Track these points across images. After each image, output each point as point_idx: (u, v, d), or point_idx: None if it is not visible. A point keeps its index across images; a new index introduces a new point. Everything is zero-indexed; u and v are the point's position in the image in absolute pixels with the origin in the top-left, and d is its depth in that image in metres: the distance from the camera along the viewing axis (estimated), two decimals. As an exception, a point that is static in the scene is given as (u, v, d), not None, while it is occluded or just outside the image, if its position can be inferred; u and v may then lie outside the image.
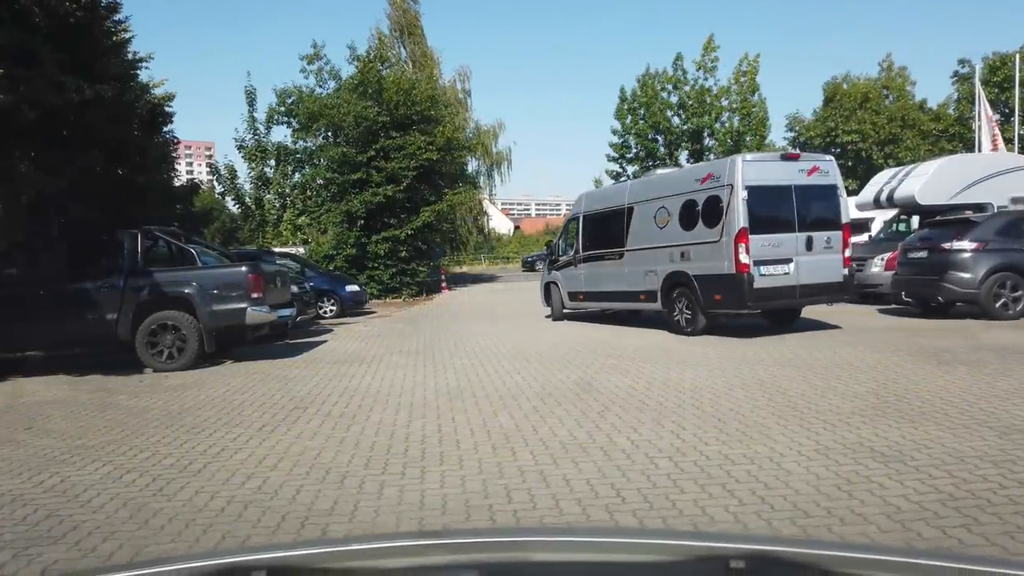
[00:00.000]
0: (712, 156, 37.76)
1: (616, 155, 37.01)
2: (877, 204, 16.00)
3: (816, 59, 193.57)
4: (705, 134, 36.97)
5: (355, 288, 18.14)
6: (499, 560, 1.23)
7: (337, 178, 23.99)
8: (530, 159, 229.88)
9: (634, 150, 37.56)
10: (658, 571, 1.18)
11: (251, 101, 25.11)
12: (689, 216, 10.85)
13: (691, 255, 10.87)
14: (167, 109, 22.27)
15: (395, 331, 13.83)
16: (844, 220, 10.66)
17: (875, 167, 31.16)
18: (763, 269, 10.02)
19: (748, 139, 35.54)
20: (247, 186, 25.53)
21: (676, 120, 36.72)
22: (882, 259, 14.77)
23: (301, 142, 25.69)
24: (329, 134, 25.01)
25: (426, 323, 15.35)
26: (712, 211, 10.35)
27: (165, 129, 22.52)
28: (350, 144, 24.17)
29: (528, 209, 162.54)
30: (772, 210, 10.19)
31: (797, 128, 35.11)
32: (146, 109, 20.93)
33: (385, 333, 13.52)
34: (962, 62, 33.22)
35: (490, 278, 32.89)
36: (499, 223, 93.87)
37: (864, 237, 23.04)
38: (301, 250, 25.44)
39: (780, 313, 11.27)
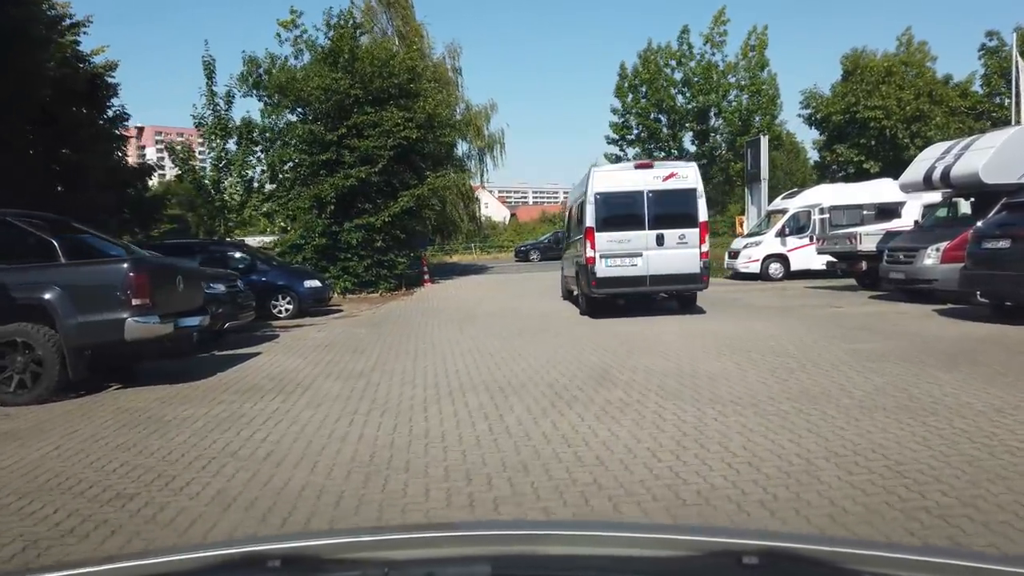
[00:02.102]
0: (719, 137, 35.26)
1: (616, 136, 34.45)
2: (928, 184, 13.52)
3: (830, 33, 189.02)
4: (712, 113, 34.39)
5: (315, 284, 15.66)
6: (512, 553, 1.24)
7: (305, 159, 21.43)
8: (528, 146, 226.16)
9: (635, 131, 34.99)
10: (670, 566, 1.19)
11: (209, 73, 22.47)
12: (579, 216, 12.97)
13: (575, 249, 13.18)
14: (109, 80, 19.77)
15: (350, 339, 11.36)
16: (701, 218, 11.89)
17: (900, 147, 28.61)
18: (608, 262, 11.79)
19: (757, 119, 32.99)
20: (207, 168, 22.93)
21: (680, 99, 34.13)
22: (937, 250, 12.31)
23: (271, 119, 23.07)
24: (298, 110, 22.43)
25: (392, 327, 12.87)
26: (582, 213, 12.42)
27: (116, 106, 20.05)
28: (319, 121, 21.59)
29: (526, 197, 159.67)
30: (622, 212, 11.87)
31: (814, 104, 32.33)
32: (83, 80, 18.46)
33: (336, 342, 11.05)
34: (990, 34, 30.62)
35: (480, 269, 30.38)
36: (495, 211, 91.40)
37: (896, 223, 20.68)
38: (267, 239, 23.02)
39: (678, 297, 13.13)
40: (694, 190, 11.85)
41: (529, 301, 16.87)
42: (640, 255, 11.78)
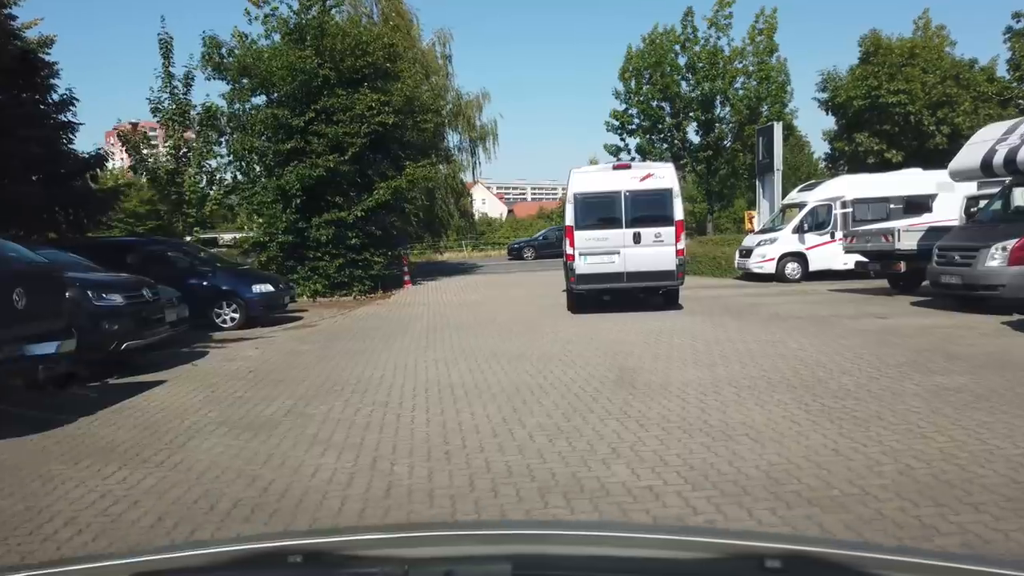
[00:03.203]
0: (726, 127, 33.06)
1: (616, 124, 32.18)
2: (988, 171, 11.37)
3: (842, 16, 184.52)
4: (717, 101, 32.14)
5: (265, 288, 13.46)
6: (532, 552, 1.23)
7: (269, 147, 19.24)
8: (527, 143, 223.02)
9: (636, 120, 32.74)
10: (692, 568, 1.17)
11: (166, 52, 20.22)
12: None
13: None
14: (45, 57, 17.59)
15: (285, 362, 9.18)
16: (677, 217, 12.09)
17: (924, 133, 26.34)
18: (588, 259, 12.13)
19: (765, 108, 30.75)
20: (163, 158, 20.69)
21: (684, 86, 31.89)
22: (1003, 249, 10.18)
23: (236, 105, 20.83)
24: (263, 95, 20.23)
25: (345, 344, 10.70)
26: (565, 213, 12.88)
27: (61, 89, 17.87)
28: (284, 105, 19.40)
29: (524, 194, 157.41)
30: (600, 212, 12.23)
31: (831, 88, 29.93)
32: (12, 56, 16.27)
33: (266, 366, 8.89)
34: (1017, 16, 28.34)
35: (469, 268, 28.20)
36: (492, 207, 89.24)
37: (926, 217, 18.52)
38: (226, 237, 20.86)
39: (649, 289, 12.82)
40: (670, 190, 12.13)
41: (514, 308, 14.74)
42: (618, 253, 12.11)
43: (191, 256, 13.96)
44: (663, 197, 12.08)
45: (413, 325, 12.73)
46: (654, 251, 12.01)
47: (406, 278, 21.35)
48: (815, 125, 67.07)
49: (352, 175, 19.33)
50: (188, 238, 20.76)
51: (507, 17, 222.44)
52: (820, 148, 39.75)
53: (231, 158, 21.33)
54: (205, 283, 13.07)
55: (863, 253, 14.98)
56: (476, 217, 66.07)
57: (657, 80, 30.68)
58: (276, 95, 19.55)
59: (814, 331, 9.62)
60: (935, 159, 24.87)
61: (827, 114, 31.10)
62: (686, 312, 12.53)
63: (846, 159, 31.49)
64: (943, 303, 11.73)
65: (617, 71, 32.85)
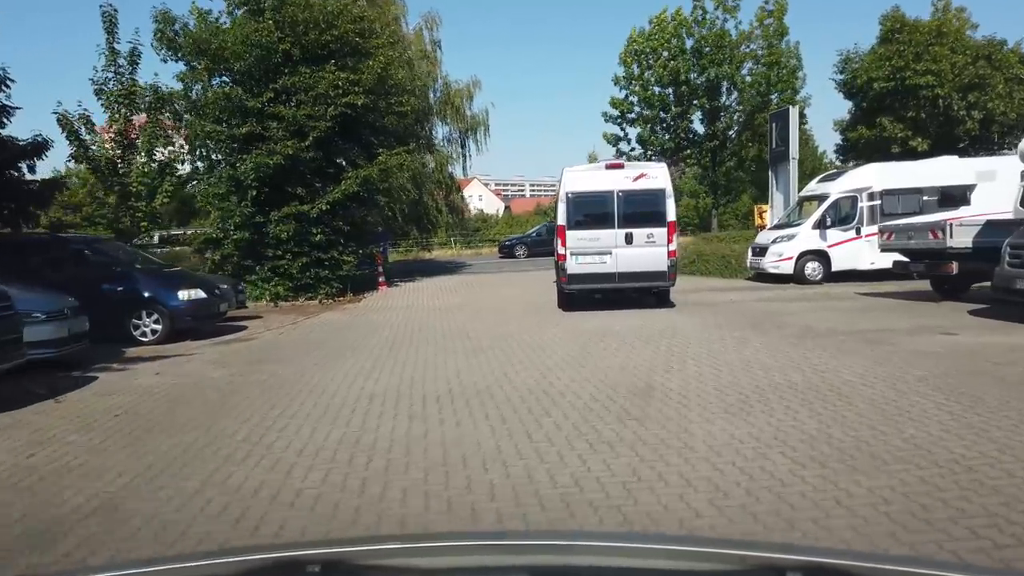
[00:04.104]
0: (733, 116, 30.86)
1: (616, 112, 29.95)
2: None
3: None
4: (724, 87, 29.93)
5: (194, 294, 11.24)
6: (547, 564, 1.23)
7: (222, 132, 17.04)
8: (526, 141, 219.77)
9: (637, 108, 30.52)
10: None
11: (110, 27, 17.98)
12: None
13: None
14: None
15: (173, 402, 6.96)
16: (670, 218, 11.94)
17: (954, 119, 24.08)
18: (579, 259, 12.04)
19: (775, 96, 28.54)
20: (108, 145, 18.47)
21: (691, 73, 29.68)
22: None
23: (190, 85, 18.60)
24: (219, 75, 18.04)
25: (274, 369, 8.50)
26: (557, 212, 12.83)
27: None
28: (239, 84, 17.20)
29: (523, 190, 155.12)
30: (593, 211, 12.16)
31: (850, 69, 27.52)
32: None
33: (148, 410, 6.69)
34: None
35: (456, 268, 25.99)
36: (489, 204, 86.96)
37: (964, 211, 16.35)
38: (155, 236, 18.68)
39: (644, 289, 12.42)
40: (663, 190, 11.95)
41: (494, 316, 12.59)
42: (609, 253, 11.96)
43: (108, 256, 11.77)
44: (656, 197, 11.90)
45: (371, 338, 10.56)
46: (646, 252, 11.87)
47: (381, 279, 19.14)
48: (821, 115, 64.00)
49: (316, 163, 17.15)
50: (136, 239, 18.65)
51: (506, 10, 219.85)
52: (826, 141, 37.13)
53: (184, 145, 19.19)
54: (121, 289, 10.90)
55: (903, 252, 12.80)
56: (472, 213, 64.00)
57: (662, 65, 28.45)
58: (230, 74, 17.34)
59: (869, 355, 7.45)
60: (967, 148, 22.76)
61: (844, 98, 28.78)
62: (699, 324, 10.37)
63: (860, 149, 29.14)
64: (1008, 312, 9.60)
65: (618, 56, 30.72)
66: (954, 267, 11.43)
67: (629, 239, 11.90)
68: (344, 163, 18.50)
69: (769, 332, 9.27)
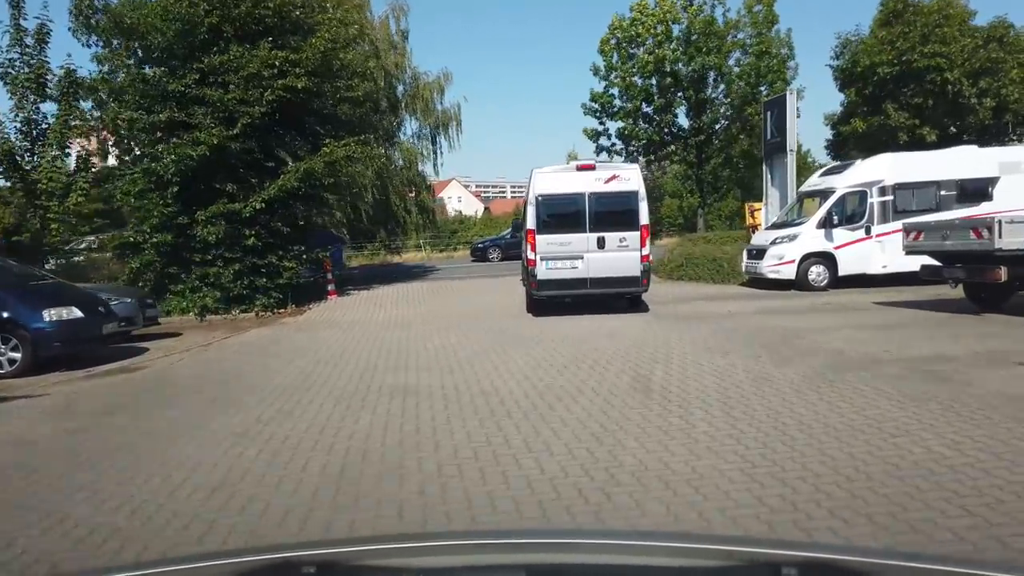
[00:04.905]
0: (721, 108, 28.94)
1: (595, 105, 27.90)
2: None
3: None
4: (711, 79, 27.99)
5: (66, 315, 8.90)
6: (544, 561, 1.22)
7: (140, 119, 14.70)
8: (506, 141, 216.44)
9: (618, 101, 28.50)
10: None
11: (16, 0, 15.62)
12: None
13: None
14: None
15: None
16: (643, 221, 11.57)
17: (963, 107, 22.17)
18: (549, 264, 11.62)
19: (764, 88, 26.62)
20: (13, 135, 16.05)
21: (678, 64, 27.71)
22: None
23: (117, 70, 16.22)
24: (137, 56, 15.70)
25: (107, 439, 6.24)
26: (525, 215, 12.31)
27: None
28: (160, 64, 14.89)
29: (504, 191, 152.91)
30: (563, 214, 11.73)
31: (849, 54, 25.50)
32: None
33: None
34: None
35: (422, 273, 23.72)
36: (469, 205, 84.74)
37: (986, 207, 14.44)
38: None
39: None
40: (636, 192, 11.63)
41: (452, 334, 10.44)
42: (581, 258, 11.64)
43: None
44: (628, 200, 11.53)
45: (285, 370, 8.33)
46: (619, 256, 11.52)
47: (330, 288, 16.86)
48: (807, 110, 61.57)
49: (252, 156, 14.86)
50: (59, 245, 16.30)
51: (487, 10, 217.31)
52: (811, 138, 35.15)
53: (110, 138, 16.85)
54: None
55: (936, 254, 10.79)
56: (451, 215, 61.66)
57: (648, 51, 26.43)
58: (151, 52, 15.01)
59: (946, 401, 5.35)
60: (977, 139, 20.87)
61: (838, 89, 26.87)
62: (701, 348, 8.25)
63: (854, 143, 27.20)
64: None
65: (598, 44, 28.65)
66: (1003, 273, 9.42)
67: (601, 243, 11.50)
68: (287, 156, 16.24)
69: (791, 361, 7.16)
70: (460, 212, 70.65)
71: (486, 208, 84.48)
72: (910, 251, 11.21)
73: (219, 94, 14.09)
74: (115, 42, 15.99)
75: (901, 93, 23.05)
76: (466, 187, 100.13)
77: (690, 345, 8.44)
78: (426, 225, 34.87)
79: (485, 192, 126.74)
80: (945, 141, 19.53)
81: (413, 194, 33.86)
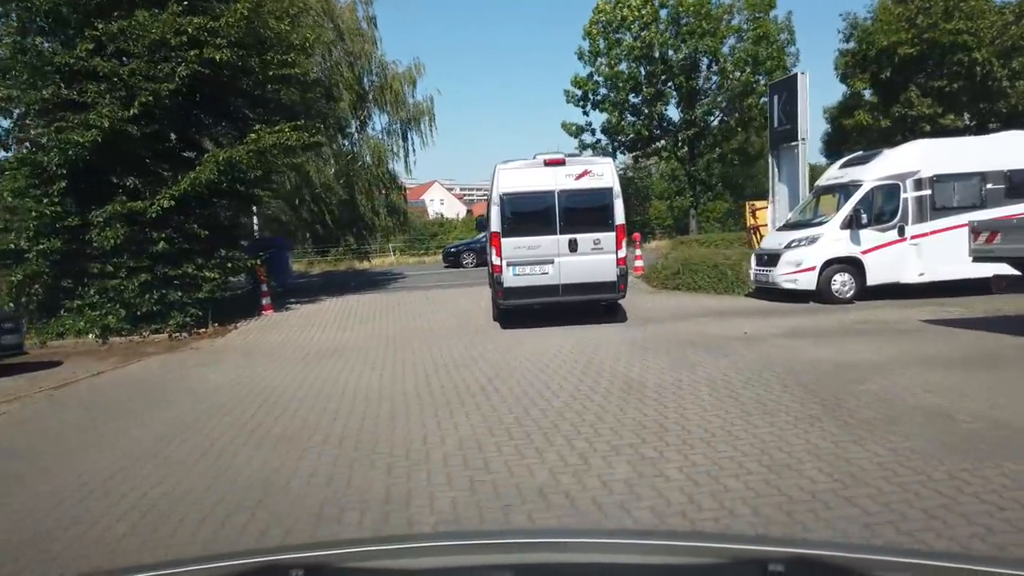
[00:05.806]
0: (717, 98, 26.59)
1: (578, 93, 25.43)
2: None
3: None
4: (703, 65, 25.64)
5: None
6: (533, 561, 1.21)
7: (21, 97, 12.03)
8: (490, 144, 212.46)
9: (603, 90, 26.08)
10: (696, 574, 1.16)
11: None
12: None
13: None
14: None
15: None
16: (618, 221, 10.74)
17: (992, 90, 19.80)
18: (516, 270, 10.67)
19: (762, 78, 24.27)
20: None
21: (668, 49, 25.32)
22: None
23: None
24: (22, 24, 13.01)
25: None
26: (489, 215, 11.16)
27: None
28: (45, 33, 12.23)
29: (489, 194, 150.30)
30: (531, 214, 10.79)
31: (861, 36, 23.07)
32: None
33: None
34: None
35: (385, 281, 21.16)
36: (451, 208, 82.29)
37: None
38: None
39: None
40: (610, 189, 10.76)
41: (401, 367, 7.89)
42: (551, 262, 10.73)
43: None
44: (602, 197, 10.74)
45: (100, 453, 5.74)
46: (592, 260, 10.73)
47: (264, 301, 14.22)
48: (817, 101, 58.48)
49: (160, 143, 12.23)
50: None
51: (471, 5, 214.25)
52: (816, 132, 32.83)
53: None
54: None
55: (1016, 262, 8.36)
56: (431, 217, 59.06)
57: (634, 33, 24.03)
58: (36, 18, 12.33)
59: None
60: (1008, 127, 18.58)
61: (840, 81, 24.53)
62: (727, 395, 5.74)
63: (855, 139, 24.83)
64: None
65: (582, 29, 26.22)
66: (1123, 288, 7.03)
67: (573, 246, 10.67)
68: (212, 145, 13.62)
69: (875, 430, 4.67)
70: (441, 215, 68.19)
71: (468, 211, 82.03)
72: (979, 257, 8.78)
73: (112, 65, 11.44)
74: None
75: (923, 76, 20.67)
76: (449, 190, 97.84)
77: (708, 395, 5.95)
78: (397, 227, 32.15)
79: (469, 195, 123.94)
80: (972, 131, 17.16)
81: (383, 194, 31.20)
